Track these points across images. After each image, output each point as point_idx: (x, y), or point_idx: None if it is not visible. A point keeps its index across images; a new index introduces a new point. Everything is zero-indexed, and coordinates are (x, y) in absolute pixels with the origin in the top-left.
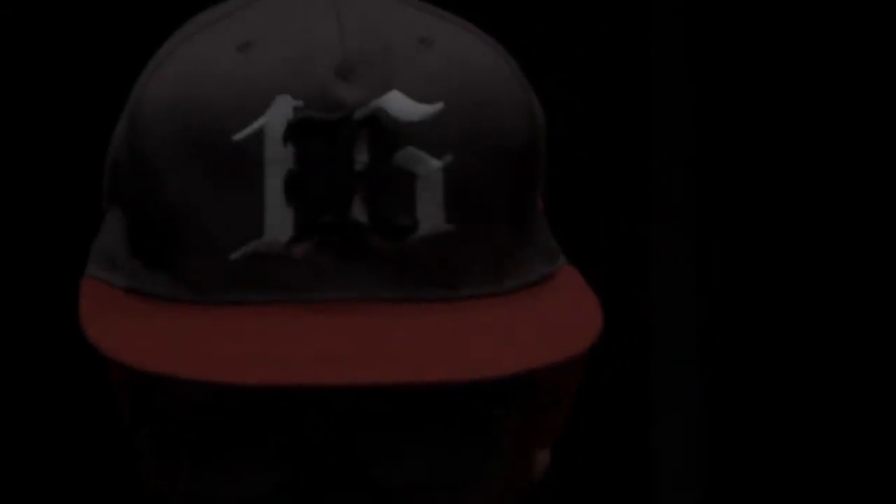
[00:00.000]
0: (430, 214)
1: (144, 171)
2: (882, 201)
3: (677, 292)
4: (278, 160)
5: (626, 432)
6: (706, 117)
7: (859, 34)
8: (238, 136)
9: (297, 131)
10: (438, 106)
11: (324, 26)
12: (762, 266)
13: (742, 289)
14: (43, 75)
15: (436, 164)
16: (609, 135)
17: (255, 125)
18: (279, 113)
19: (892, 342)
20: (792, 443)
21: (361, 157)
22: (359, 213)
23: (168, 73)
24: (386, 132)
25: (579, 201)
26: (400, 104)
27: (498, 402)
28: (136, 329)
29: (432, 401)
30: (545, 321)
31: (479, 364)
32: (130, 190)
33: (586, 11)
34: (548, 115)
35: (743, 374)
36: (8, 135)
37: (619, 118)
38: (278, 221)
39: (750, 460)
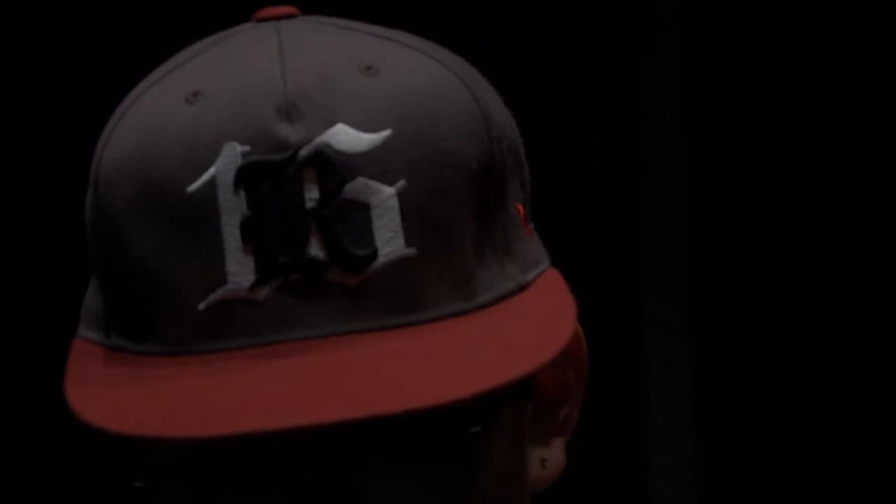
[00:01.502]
0: (389, 241)
1: (111, 230)
2: (884, 202)
3: (671, 295)
4: (232, 207)
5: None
6: (700, 122)
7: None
8: (191, 188)
9: (246, 176)
10: (385, 133)
11: (266, 67)
12: (756, 271)
13: (734, 291)
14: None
15: (388, 191)
16: (600, 139)
17: (206, 175)
18: (228, 160)
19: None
20: (792, 456)
21: (312, 195)
22: (316, 249)
23: (123, 133)
24: (333, 166)
25: (570, 204)
26: (345, 137)
27: (472, 420)
28: (108, 388)
29: (404, 430)
30: (511, 335)
31: (430, 390)
32: (101, 249)
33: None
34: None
35: (736, 377)
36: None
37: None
38: (239, 267)
39: (746, 465)
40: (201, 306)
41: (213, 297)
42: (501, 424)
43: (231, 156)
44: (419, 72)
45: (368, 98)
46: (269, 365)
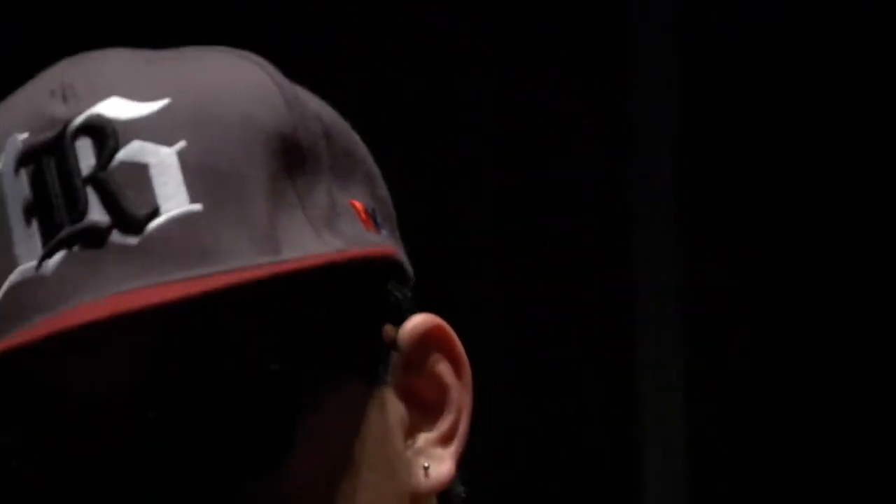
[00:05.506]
0: (171, 198)
1: None
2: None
3: (663, 301)
4: (15, 193)
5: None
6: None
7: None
8: None
9: (25, 161)
10: (163, 102)
11: (48, 74)
12: (746, 282)
13: (724, 297)
14: None
15: (167, 150)
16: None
17: None
18: (11, 151)
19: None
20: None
21: (88, 163)
22: (98, 214)
23: None
24: (105, 133)
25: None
26: (118, 107)
27: (270, 358)
28: None
29: (201, 358)
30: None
31: (167, 292)
32: None
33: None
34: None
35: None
36: None
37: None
38: (26, 249)
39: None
40: None
41: (7, 284)
42: (333, 399)
43: (13, 146)
44: (205, 55)
45: (147, 77)
46: (58, 325)
